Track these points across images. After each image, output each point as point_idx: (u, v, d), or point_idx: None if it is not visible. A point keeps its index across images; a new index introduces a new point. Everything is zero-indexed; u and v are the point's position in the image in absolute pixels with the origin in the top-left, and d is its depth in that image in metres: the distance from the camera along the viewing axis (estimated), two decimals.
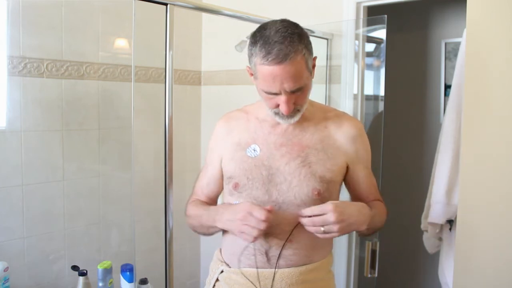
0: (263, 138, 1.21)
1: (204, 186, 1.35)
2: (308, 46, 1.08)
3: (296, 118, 1.15)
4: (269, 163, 1.17)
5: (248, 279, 1.16)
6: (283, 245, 1.14)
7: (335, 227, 1.03)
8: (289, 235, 1.13)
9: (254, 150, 1.19)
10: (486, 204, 1.33)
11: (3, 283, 1.71)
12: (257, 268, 1.15)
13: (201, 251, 2.76)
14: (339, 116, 1.25)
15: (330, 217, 1.02)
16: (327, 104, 2.23)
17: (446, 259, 1.83)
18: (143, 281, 1.94)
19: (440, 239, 1.88)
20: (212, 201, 1.36)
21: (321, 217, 1.03)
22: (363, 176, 1.28)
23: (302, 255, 1.14)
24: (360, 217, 1.10)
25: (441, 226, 1.82)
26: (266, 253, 1.15)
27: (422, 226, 1.93)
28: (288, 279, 1.13)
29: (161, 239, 1.61)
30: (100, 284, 1.85)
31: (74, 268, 1.82)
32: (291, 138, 1.20)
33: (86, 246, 2.20)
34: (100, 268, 1.86)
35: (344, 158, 1.22)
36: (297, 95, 1.09)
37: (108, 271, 1.88)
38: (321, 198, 1.13)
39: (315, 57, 1.14)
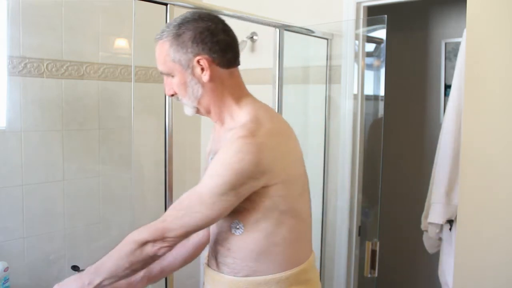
0: (212, 145, 1.22)
1: None
2: (178, 39, 1.05)
3: (186, 110, 1.14)
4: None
5: (208, 277, 1.18)
6: (215, 252, 1.14)
7: None
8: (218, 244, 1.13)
9: (211, 159, 1.16)
10: (486, 204, 1.33)
11: (3, 283, 1.71)
12: (213, 270, 1.16)
13: None
14: (237, 131, 1.03)
15: None
16: (326, 105, 2.23)
17: (446, 259, 1.83)
18: None
19: (440, 239, 1.88)
20: None
21: None
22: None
23: (243, 265, 1.09)
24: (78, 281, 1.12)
25: (441, 226, 1.82)
26: (216, 258, 1.15)
27: (422, 226, 1.93)
28: (233, 284, 1.11)
29: None
30: None
31: (74, 268, 1.82)
32: (212, 146, 1.20)
33: (86, 246, 2.20)
34: None
35: None
36: (171, 81, 1.10)
37: None
38: (237, 207, 1.07)
39: (202, 58, 1.05)
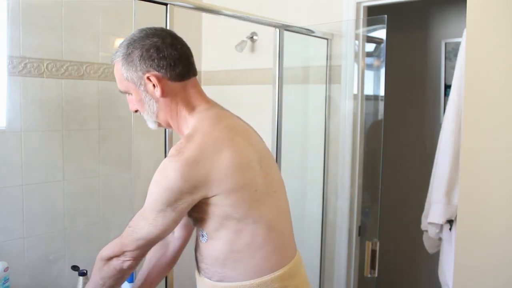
0: None
1: None
2: (127, 58, 1.09)
3: (149, 125, 1.18)
4: None
5: (196, 280, 1.24)
6: (196, 257, 1.20)
7: None
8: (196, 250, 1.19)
9: None
10: (486, 204, 1.33)
11: (3, 283, 1.71)
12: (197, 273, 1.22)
13: None
14: (171, 149, 1.07)
15: None
16: (326, 105, 2.23)
17: (446, 259, 1.83)
18: None
19: (440, 239, 1.88)
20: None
21: None
22: None
23: (213, 271, 1.13)
24: None
25: (441, 226, 1.82)
26: (197, 263, 1.21)
27: (422, 226, 1.93)
28: (210, 287, 1.15)
29: None
30: None
31: (74, 268, 1.82)
32: None
33: (86, 246, 2.20)
34: None
35: None
36: (132, 99, 1.16)
37: None
38: (193, 217, 1.15)
39: (152, 74, 1.08)
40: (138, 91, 1.12)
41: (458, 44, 2.64)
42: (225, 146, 1.05)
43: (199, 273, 1.20)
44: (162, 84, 1.08)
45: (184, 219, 1.22)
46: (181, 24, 1.73)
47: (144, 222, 1.07)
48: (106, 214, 2.28)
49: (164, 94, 1.09)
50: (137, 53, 1.08)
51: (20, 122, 1.96)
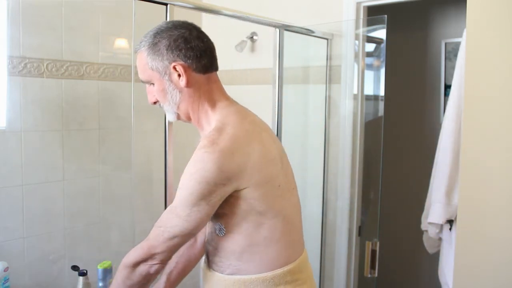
0: None
1: None
2: (154, 48, 1.11)
3: (168, 116, 1.19)
4: None
5: (202, 274, 1.23)
6: (207, 250, 1.19)
7: None
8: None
9: None
10: (486, 204, 1.33)
11: (3, 283, 1.71)
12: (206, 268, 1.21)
13: None
14: (202, 139, 1.09)
15: None
16: (326, 105, 2.23)
17: (446, 259, 1.83)
18: None
19: (440, 239, 1.88)
20: None
21: None
22: None
23: (228, 264, 1.13)
24: None
25: (441, 226, 1.82)
26: (207, 256, 1.20)
27: (422, 226, 1.93)
28: (225, 286, 1.14)
29: None
30: (100, 284, 1.85)
31: (74, 268, 1.82)
32: None
33: (86, 246, 2.20)
34: (100, 268, 1.86)
35: None
36: (152, 89, 1.16)
37: (108, 271, 1.88)
38: (215, 212, 1.14)
39: (178, 64, 1.09)
40: (162, 80, 1.13)
41: (458, 44, 2.64)
42: (255, 140, 1.08)
43: (209, 268, 1.19)
44: (188, 74, 1.11)
45: None
46: None
47: (177, 220, 1.04)
48: (106, 214, 2.28)
49: (188, 84, 1.11)
50: (164, 42, 1.10)
51: (20, 122, 1.96)
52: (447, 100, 1.87)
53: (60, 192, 2.10)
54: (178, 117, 1.18)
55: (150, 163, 2.36)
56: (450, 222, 1.78)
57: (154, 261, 1.08)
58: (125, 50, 2.33)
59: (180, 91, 1.13)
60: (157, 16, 1.54)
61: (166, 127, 1.55)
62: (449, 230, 1.80)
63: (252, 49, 2.48)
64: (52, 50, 2.04)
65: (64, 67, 2.08)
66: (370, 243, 1.96)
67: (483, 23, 1.32)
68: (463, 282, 1.39)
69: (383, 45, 2.03)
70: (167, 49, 1.09)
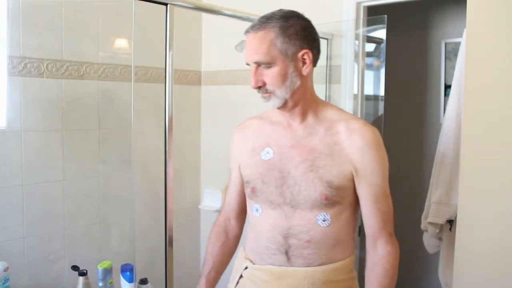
0: (275, 140, 1.21)
1: (232, 195, 1.36)
2: (286, 31, 1.09)
3: (272, 102, 1.15)
4: (281, 166, 1.18)
5: (272, 277, 1.18)
6: (292, 245, 1.16)
7: None
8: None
9: (268, 153, 1.21)
10: (486, 204, 1.33)
11: (3, 283, 1.71)
12: (280, 266, 1.18)
13: (201, 251, 2.76)
14: (354, 122, 1.16)
15: None
16: None
17: (446, 259, 1.83)
18: (143, 281, 1.94)
19: (440, 239, 1.88)
20: (241, 213, 1.37)
21: None
22: (366, 196, 1.17)
23: (321, 254, 1.15)
24: None
25: (441, 226, 1.82)
26: (286, 252, 1.17)
27: (422, 226, 1.93)
28: (311, 278, 1.15)
29: (161, 239, 1.61)
30: (100, 284, 1.85)
31: (74, 268, 1.82)
32: (300, 140, 1.19)
33: (86, 246, 2.20)
34: (100, 268, 1.86)
35: (350, 168, 1.14)
36: (265, 72, 1.12)
37: (108, 271, 1.88)
38: (331, 202, 1.14)
39: (308, 52, 1.12)
40: (287, 64, 1.12)
41: (458, 44, 2.64)
42: None
43: (289, 264, 1.17)
44: (311, 63, 1.14)
45: (242, 204, 1.31)
46: (181, 24, 1.73)
47: (390, 199, 1.24)
48: (106, 214, 2.28)
49: (308, 73, 1.15)
50: (297, 28, 1.11)
51: (20, 122, 1.96)
52: (447, 100, 1.87)
53: (60, 192, 2.10)
54: (284, 104, 1.16)
55: (150, 163, 2.36)
56: (450, 222, 1.78)
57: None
58: (125, 50, 2.33)
59: (301, 79, 1.14)
60: (157, 16, 1.54)
61: (166, 127, 1.55)
62: (449, 230, 1.80)
63: None
64: (52, 50, 2.04)
65: (64, 67, 2.08)
66: None
67: (483, 23, 1.32)
68: (463, 282, 1.39)
69: (383, 45, 2.04)
70: (299, 35, 1.11)
